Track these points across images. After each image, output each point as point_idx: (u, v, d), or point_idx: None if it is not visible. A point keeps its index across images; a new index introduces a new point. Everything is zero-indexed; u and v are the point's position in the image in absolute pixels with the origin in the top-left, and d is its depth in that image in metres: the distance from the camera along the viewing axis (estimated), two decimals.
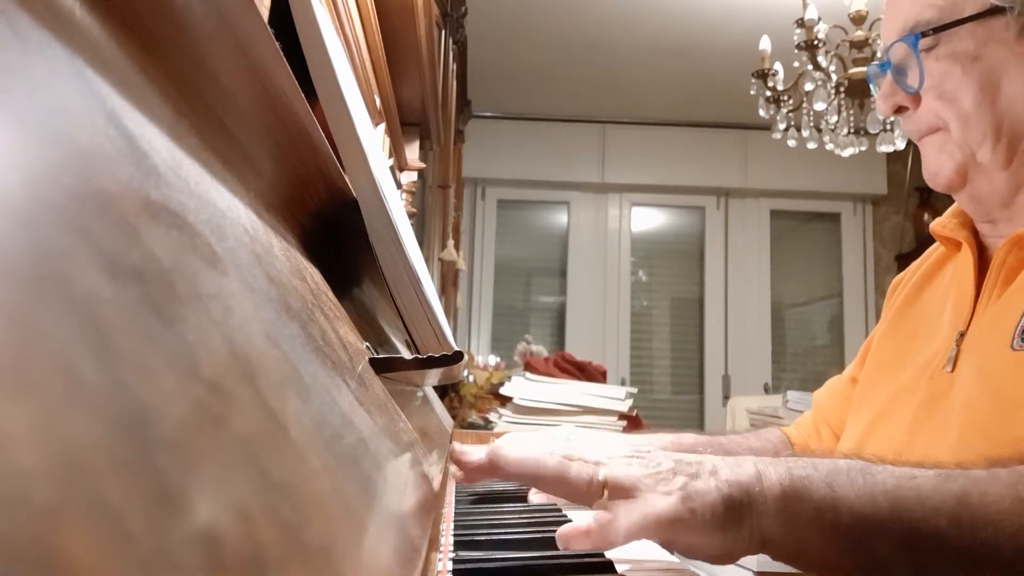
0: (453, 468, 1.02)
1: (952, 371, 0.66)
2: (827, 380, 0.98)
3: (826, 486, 0.48)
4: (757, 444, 0.89)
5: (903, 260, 4.36)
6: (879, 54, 0.78)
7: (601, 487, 0.47)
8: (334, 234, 0.61)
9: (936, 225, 0.79)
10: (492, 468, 0.50)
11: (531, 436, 0.54)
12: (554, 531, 0.63)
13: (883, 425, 0.73)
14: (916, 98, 0.71)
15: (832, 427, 0.91)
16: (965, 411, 0.62)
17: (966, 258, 0.73)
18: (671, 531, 0.45)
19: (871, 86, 0.81)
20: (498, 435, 1.59)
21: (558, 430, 0.77)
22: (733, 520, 0.47)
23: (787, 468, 0.49)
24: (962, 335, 0.68)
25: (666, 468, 0.48)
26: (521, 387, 1.77)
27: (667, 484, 0.47)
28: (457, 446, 0.51)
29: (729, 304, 4.47)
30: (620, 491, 0.47)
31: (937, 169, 0.71)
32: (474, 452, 0.50)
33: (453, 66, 2.65)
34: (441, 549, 0.53)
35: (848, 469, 0.49)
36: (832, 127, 2.73)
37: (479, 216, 4.49)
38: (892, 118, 2.57)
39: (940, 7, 0.67)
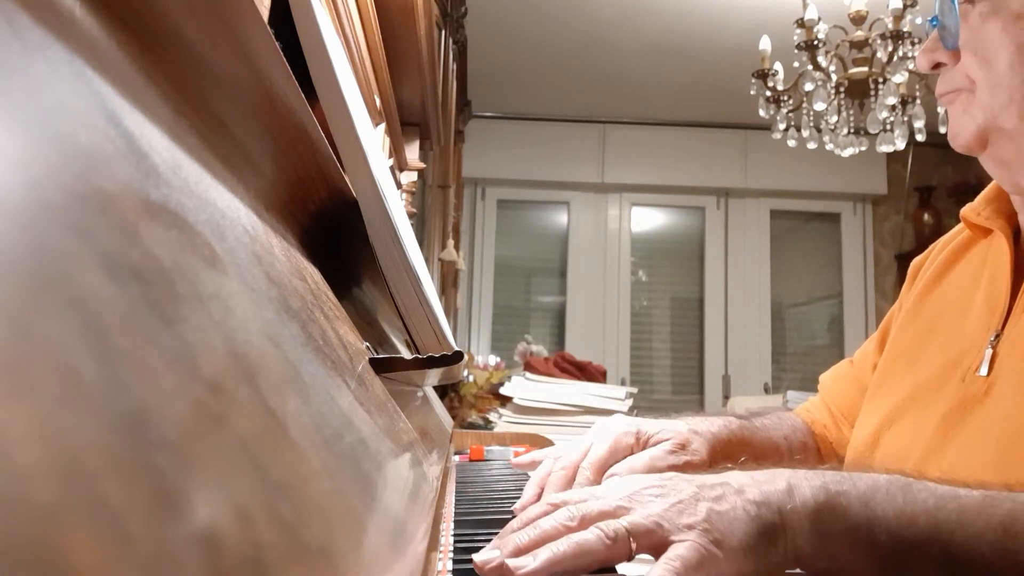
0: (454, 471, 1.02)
1: (988, 375, 0.64)
2: (824, 372, 0.96)
3: (863, 503, 0.46)
4: (783, 444, 0.85)
5: (903, 260, 4.36)
6: (936, 8, 0.73)
7: (627, 540, 0.44)
8: (334, 234, 0.61)
9: (969, 211, 0.75)
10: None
11: (539, 509, 0.49)
12: None
13: (903, 422, 0.70)
14: (955, 55, 0.67)
15: (843, 413, 0.89)
16: (1007, 422, 0.59)
17: (1000, 249, 0.69)
18: (703, 572, 0.43)
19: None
20: (497, 435, 1.59)
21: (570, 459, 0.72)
22: (765, 542, 0.45)
23: (823, 483, 0.47)
24: (997, 336, 0.65)
25: (688, 495, 0.46)
26: (521, 387, 1.77)
27: (691, 514, 0.45)
28: (479, 556, 0.45)
29: (729, 304, 4.47)
30: (645, 537, 0.44)
31: (959, 130, 0.68)
32: (493, 559, 0.45)
33: (453, 66, 2.65)
34: (441, 549, 0.53)
35: (888, 486, 0.47)
36: (832, 127, 2.73)
37: (479, 216, 4.49)
38: (892, 118, 2.58)
39: None
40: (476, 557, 0.44)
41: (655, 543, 0.44)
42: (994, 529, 0.44)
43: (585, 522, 0.46)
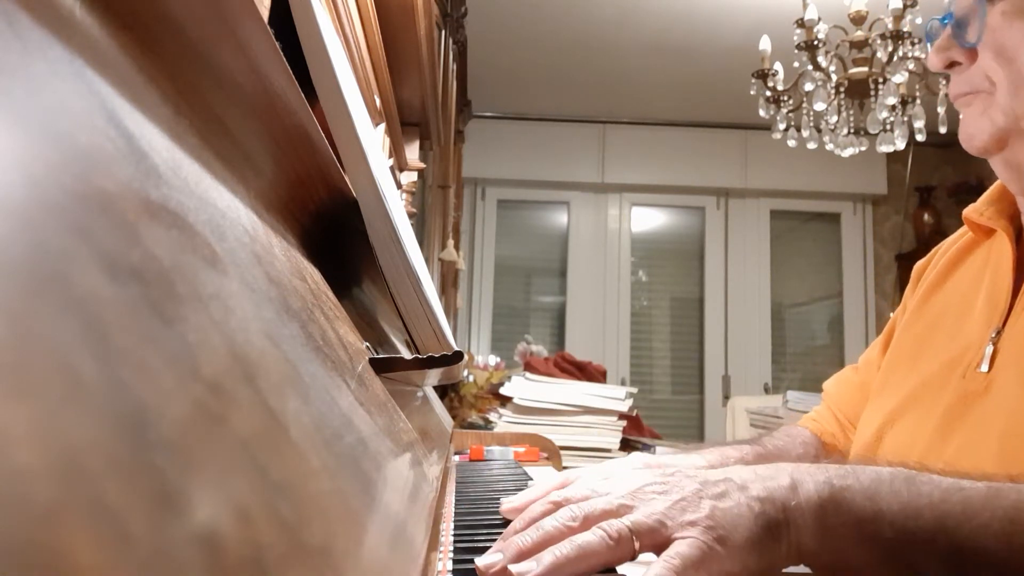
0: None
1: (989, 371, 0.64)
2: (828, 379, 0.96)
3: (867, 497, 0.45)
4: (795, 454, 0.85)
5: (903, 260, 4.36)
6: (947, 3, 0.71)
7: (630, 540, 0.44)
8: (334, 234, 0.61)
9: (971, 212, 0.74)
10: None
11: (540, 511, 0.49)
12: None
13: (905, 419, 0.71)
14: (972, 54, 0.66)
15: (850, 419, 0.89)
16: (1008, 417, 0.59)
17: (1003, 249, 0.70)
18: (704, 570, 0.42)
19: (927, 44, 0.74)
20: (497, 435, 1.60)
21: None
22: (769, 538, 0.44)
23: (827, 477, 0.47)
24: (998, 333, 0.65)
25: (690, 492, 0.46)
26: (521, 387, 1.77)
27: (694, 512, 0.44)
28: (482, 560, 0.45)
29: (729, 304, 4.47)
30: (648, 536, 0.44)
31: (975, 131, 0.66)
32: (496, 563, 0.44)
33: (453, 66, 2.65)
34: (441, 549, 0.53)
35: (892, 479, 0.46)
36: (832, 127, 2.73)
37: (479, 216, 4.49)
38: (892, 118, 2.57)
39: None
40: (479, 561, 0.44)
41: (658, 542, 0.44)
42: (999, 520, 0.44)
43: (588, 521, 0.45)
